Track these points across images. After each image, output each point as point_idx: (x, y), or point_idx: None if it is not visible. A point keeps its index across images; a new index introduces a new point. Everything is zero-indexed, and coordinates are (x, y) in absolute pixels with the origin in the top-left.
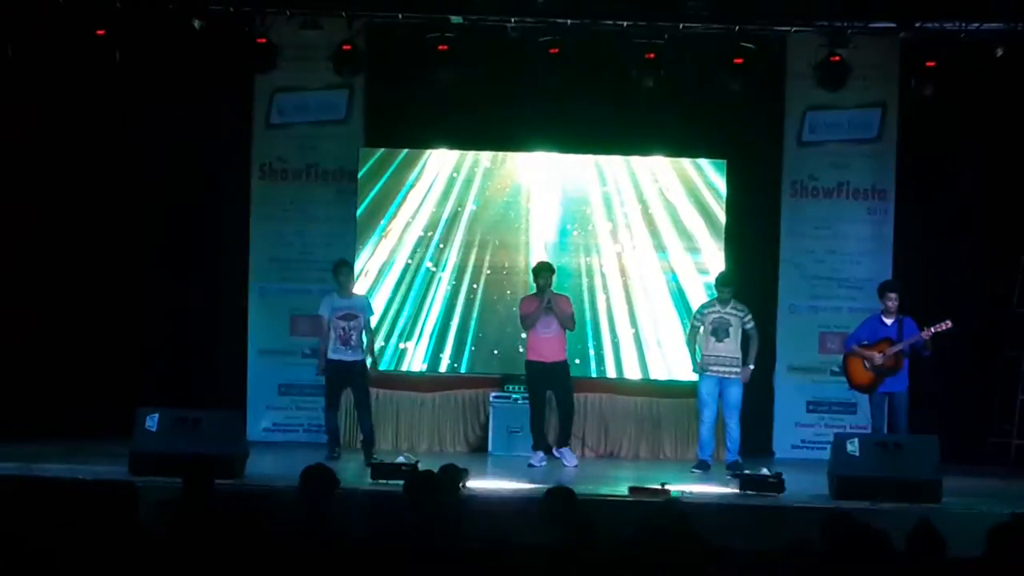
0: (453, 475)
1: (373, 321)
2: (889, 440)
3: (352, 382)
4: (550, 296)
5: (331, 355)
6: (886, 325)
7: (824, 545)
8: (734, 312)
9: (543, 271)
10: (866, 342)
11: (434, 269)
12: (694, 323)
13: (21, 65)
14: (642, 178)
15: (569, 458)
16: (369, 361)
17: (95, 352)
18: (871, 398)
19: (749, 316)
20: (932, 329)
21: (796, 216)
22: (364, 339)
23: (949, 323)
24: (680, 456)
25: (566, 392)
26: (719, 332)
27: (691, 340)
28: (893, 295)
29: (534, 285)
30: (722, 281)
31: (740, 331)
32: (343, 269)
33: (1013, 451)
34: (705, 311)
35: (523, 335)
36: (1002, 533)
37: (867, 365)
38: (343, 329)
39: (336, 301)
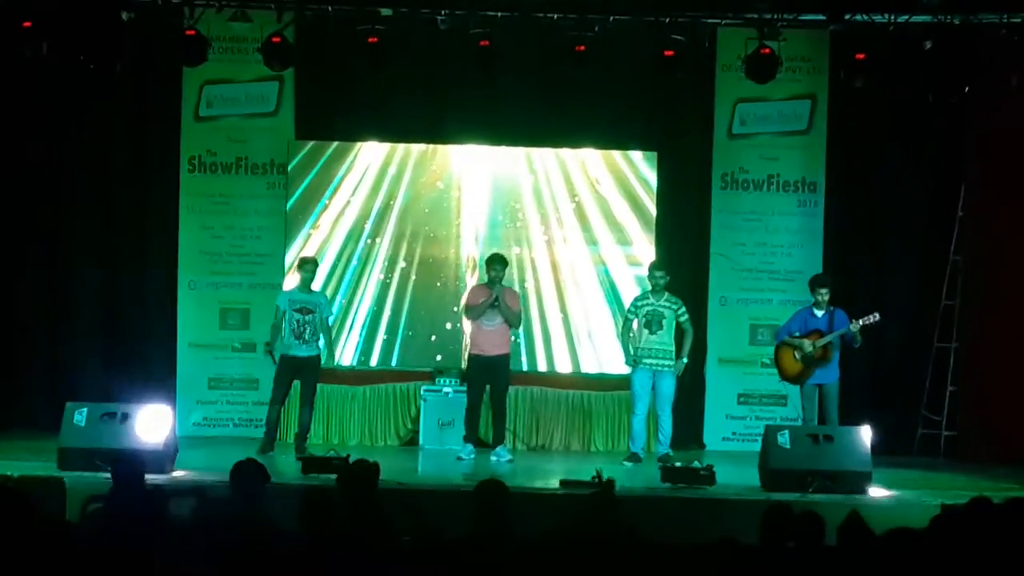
0: (365, 471)
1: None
2: (820, 432)
3: (303, 377)
4: (498, 293)
5: (284, 350)
6: (817, 317)
7: (761, 537)
8: (668, 305)
9: (495, 263)
10: (797, 333)
11: (372, 246)
12: (628, 315)
13: None
14: (573, 170)
15: (503, 455)
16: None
17: (24, 346)
18: (802, 390)
19: (683, 309)
20: (861, 322)
21: (726, 208)
22: (321, 337)
23: (877, 316)
24: (611, 448)
25: (501, 391)
26: (653, 324)
27: (625, 333)
28: (824, 290)
29: (485, 276)
30: (656, 265)
31: (674, 324)
32: (306, 266)
33: (943, 443)
34: (639, 303)
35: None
36: (941, 523)
37: (797, 356)
38: (297, 322)
39: (294, 293)
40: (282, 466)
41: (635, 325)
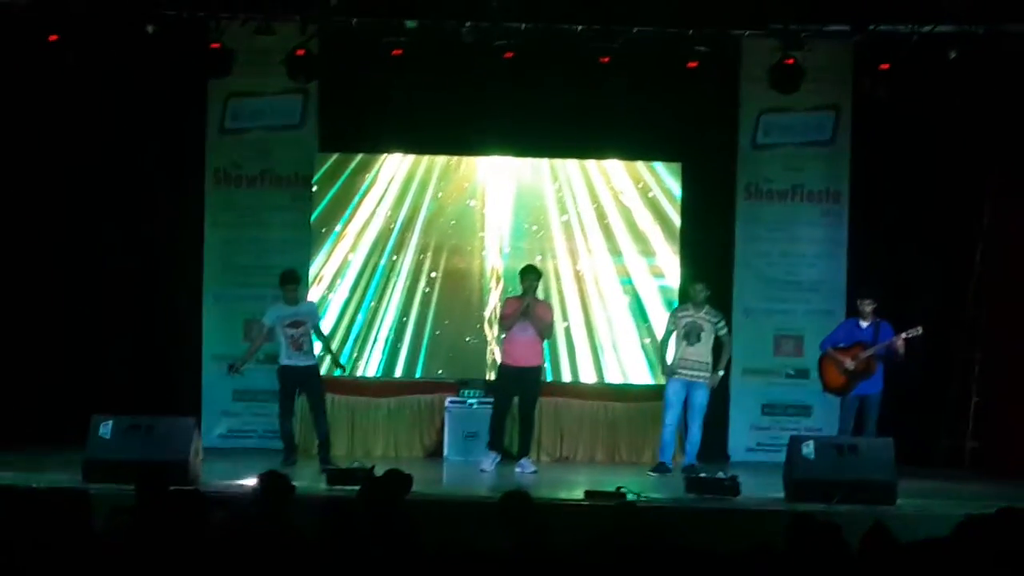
0: (397, 482)
1: (325, 327)
2: (844, 442)
3: (306, 387)
4: (530, 301)
5: (284, 361)
6: (861, 328)
7: (786, 547)
8: (707, 317)
9: (528, 274)
10: (841, 345)
11: (396, 258)
12: (668, 327)
13: None
14: (597, 181)
15: (527, 467)
16: (328, 363)
17: (50, 359)
18: (843, 400)
19: (723, 323)
20: (904, 335)
21: (751, 219)
22: (317, 344)
23: (920, 329)
24: (636, 459)
25: (530, 402)
26: (691, 336)
27: (664, 344)
28: (867, 301)
29: (519, 287)
30: (695, 279)
31: (712, 336)
32: (289, 285)
33: (967, 453)
34: (679, 315)
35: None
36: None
37: (840, 369)
38: (292, 336)
39: (282, 310)
40: (308, 478)
41: (674, 335)
